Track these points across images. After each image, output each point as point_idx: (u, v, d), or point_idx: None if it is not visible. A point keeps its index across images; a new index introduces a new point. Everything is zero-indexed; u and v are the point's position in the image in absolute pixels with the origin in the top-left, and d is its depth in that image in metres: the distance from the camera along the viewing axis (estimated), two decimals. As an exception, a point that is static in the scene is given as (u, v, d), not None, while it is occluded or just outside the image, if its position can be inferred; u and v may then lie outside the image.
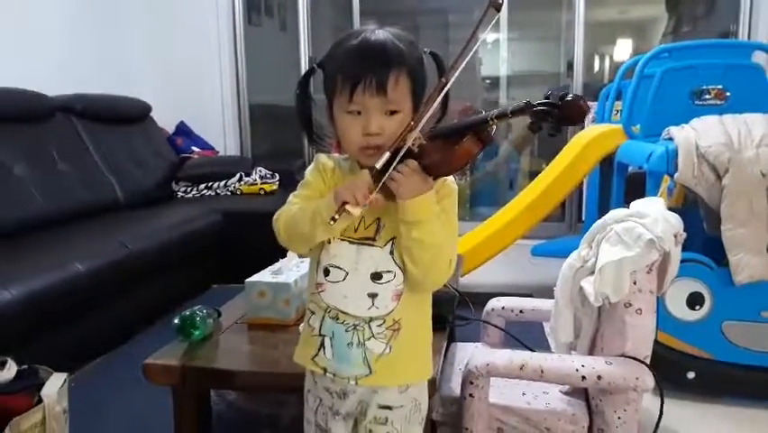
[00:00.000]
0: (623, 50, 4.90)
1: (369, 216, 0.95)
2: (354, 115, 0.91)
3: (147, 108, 3.84)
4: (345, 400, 1.01)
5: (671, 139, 1.96)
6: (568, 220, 4.32)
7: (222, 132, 4.34)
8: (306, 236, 0.94)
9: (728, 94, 2.36)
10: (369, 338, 0.96)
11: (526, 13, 4.53)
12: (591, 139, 2.79)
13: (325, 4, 4.68)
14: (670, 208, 1.49)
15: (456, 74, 0.88)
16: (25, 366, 1.40)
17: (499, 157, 4.83)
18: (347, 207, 0.86)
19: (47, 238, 2.40)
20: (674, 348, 1.89)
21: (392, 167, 0.87)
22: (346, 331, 0.96)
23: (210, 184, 3.63)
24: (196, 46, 4.25)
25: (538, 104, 0.81)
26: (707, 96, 2.37)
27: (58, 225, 2.61)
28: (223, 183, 3.65)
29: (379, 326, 0.96)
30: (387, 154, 0.87)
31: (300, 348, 1.04)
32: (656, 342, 1.88)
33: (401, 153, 0.86)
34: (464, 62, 0.87)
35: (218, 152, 4.23)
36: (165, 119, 4.02)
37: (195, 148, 4.06)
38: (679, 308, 1.88)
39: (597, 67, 4.85)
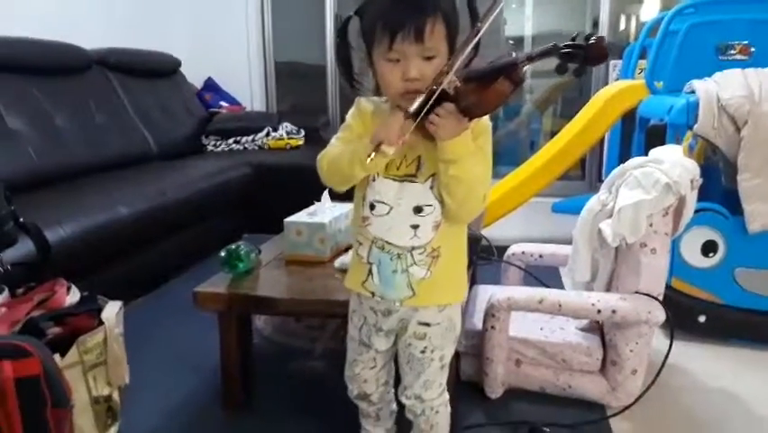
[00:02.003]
0: (650, 10, 4.82)
1: (410, 155, 1.03)
2: (394, 63, 0.96)
3: (177, 63, 3.91)
4: (388, 317, 1.12)
5: (693, 92, 2.00)
6: (588, 179, 4.36)
7: (248, 88, 4.41)
8: (347, 175, 1.03)
9: (753, 49, 2.36)
10: (411, 265, 1.05)
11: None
12: (613, 94, 2.81)
13: (351, -38, 4.67)
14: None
15: (491, 19, 0.92)
16: (86, 293, 1.53)
17: (521, 116, 4.87)
18: (382, 146, 0.94)
19: (89, 184, 2.50)
20: (687, 294, 1.97)
21: (425, 109, 0.92)
22: (391, 259, 1.06)
23: (238, 138, 3.71)
24: (224, 3, 4.31)
25: (564, 45, 0.86)
26: (731, 52, 2.37)
27: (97, 172, 2.72)
28: (250, 138, 3.73)
29: (420, 253, 1.05)
30: (421, 97, 0.93)
31: (351, 275, 1.14)
32: (670, 288, 1.97)
33: (435, 95, 0.91)
34: (498, 8, 0.92)
35: (245, 108, 4.32)
36: (193, 75, 4.10)
37: (223, 103, 4.14)
38: (693, 256, 1.95)
39: (623, 26, 4.79)
